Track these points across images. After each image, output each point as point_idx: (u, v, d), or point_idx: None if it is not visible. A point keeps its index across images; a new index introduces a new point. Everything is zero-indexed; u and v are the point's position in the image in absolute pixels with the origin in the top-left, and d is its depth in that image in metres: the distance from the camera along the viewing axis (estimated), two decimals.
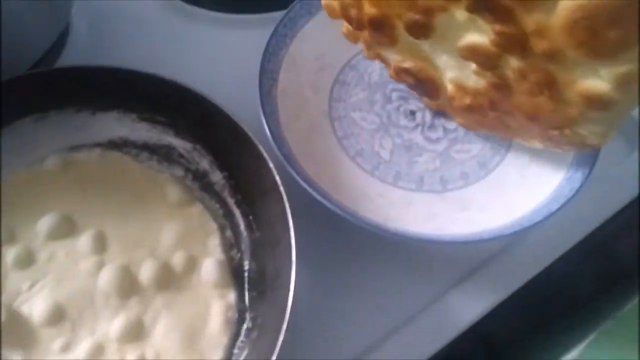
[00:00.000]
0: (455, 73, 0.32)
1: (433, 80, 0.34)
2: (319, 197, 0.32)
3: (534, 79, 0.28)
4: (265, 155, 0.32)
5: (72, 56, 0.43)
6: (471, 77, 0.31)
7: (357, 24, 0.34)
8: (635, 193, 0.37)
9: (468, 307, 0.33)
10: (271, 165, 0.32)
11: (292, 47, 0.39)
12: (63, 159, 0.35)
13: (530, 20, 0.25)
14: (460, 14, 0.28)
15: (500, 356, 0.36)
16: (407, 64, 0.34)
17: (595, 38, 0.24)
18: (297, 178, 0.32)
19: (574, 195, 0.32)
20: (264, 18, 0.45)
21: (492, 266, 0.35)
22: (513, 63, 0.28)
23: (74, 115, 0.36)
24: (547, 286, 0.35)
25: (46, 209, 0.34)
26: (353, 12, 0.33)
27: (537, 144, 0.33)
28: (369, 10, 0.31)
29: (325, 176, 0.35)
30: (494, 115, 0.32)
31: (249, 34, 0.43)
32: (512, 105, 0.30)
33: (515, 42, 0.27)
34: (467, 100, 0.32)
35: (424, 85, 0.35)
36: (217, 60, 0.43)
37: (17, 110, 0.35)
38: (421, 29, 0.30)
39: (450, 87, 0.33)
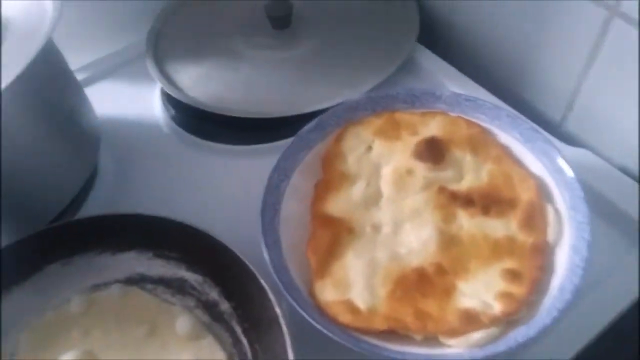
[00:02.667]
0: None
1: None
2: (318, 327, 0.33)
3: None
4: (266, 287, 0.34)
5: (97, 199, 0.47)
6: None
7: None
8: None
9: None
10: (272, 297, 0.34)
11: (293, 178, 0.42)
12: (87, 299, 0.39)
13: None
14: None
15: None
16: None
17: None
18: (297, 308, 0.34)
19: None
20: (270, 148, 0.49)
21: None
22: None
23: (96, 257, 0.40)
24: None
25: (70, 347, 0.36)
26: None
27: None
28: None
29: None
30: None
31: (255, 163, 0.47)
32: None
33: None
34: None
35: None
36: (224, 189, 0.47)
37: (47, 256, 0.39)
38: None
39: None
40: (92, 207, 0.46)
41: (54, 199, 0.42)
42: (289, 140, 0.43)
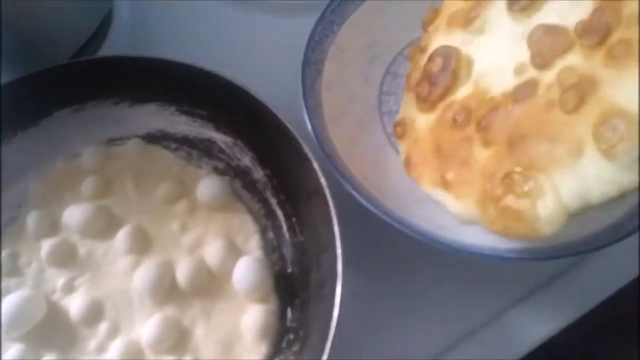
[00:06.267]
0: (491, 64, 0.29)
1: (458, 74, 0.31)
2: (364, 202, 0.29)
3: (574, 80, 0.24)
4: (310, 155, 0.30)
5: (116, 43, 0.41)
6: (504, 78, 0.28)
7: None
8: None
9: (533, 327, 0.30)
10: (316, 166, 0.29)
11: (340, 35, 0.36)
12: (101, 152, 0.34)
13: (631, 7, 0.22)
14: None
15: None
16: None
17: None
18: (342, 181, 0.30)
19: None
20: (312, 4, 0.42)
21: (561, 283, 0.32)
22: (567, 62, 0.25)
23: (112, 107, 0.35)
24: (618, 309, 0.31)
25: (85, 202, 0.33)
26: None
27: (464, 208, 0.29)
28: None
29: (372, 176, 0.32)
30: (463, 136, 0.29)
31: (295, 22, 0.41)
32: (508, 124, 0.27)
33: (599, 30, 0.24)
34: (470, 104, 0.29)
35: (445, 75, 0.31)
36: (261, 48, 0.41)
37: (57, 100, 0.34)
38: None
39: (468, 89, 0.30)
40: (110, 50, 0.40)
41: (68, 37, 0.36)
42: None
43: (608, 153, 0.22)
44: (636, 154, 0.22)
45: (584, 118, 0.24)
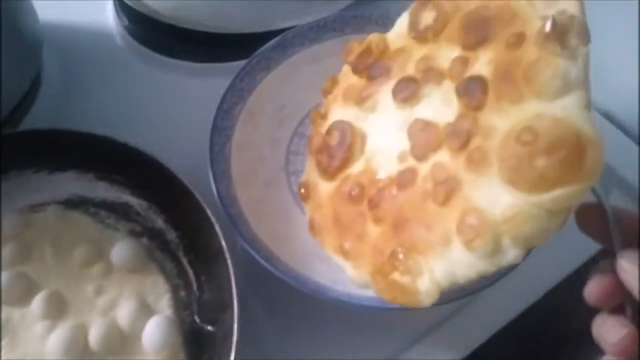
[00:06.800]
0: (380, 144, 0.33)
1: (353, 149, 0.34)
2: (262, 262, 0.32)
3: (443, 177, 0.28)
4: (212, 218, 0.32)
5: (43, 107, 0.44)
6: (390, 162, 0.31)
7: None
8: None
9: None
10: (217, 229, 0.32)
11: (249, 101, 0.39)
12: (21, 220, 0.36)
13: (486, 119, 0.26)
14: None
15: None
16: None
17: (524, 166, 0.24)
18: (241, 241, 0.32)
19: None
20: (230, 67, 0.46)
21: (456, 320, 0.35)
22: (438, 158, 0.28)
23: (32, 176, 0.37)
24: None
25: (4, 269, 0.34)
26: None
27: (360, 276, 0.32)
28: None
29: (277, 235, 0.35)
30: (358, 211, 0.32)
31: (213, 83, 0.44)
32: (393, 206, 0.30)
33: (461, 136, 0.27)
34: (363, 181, 0.33)
35: (342, 149, 0.34)
36: (178, 110, 0.44)
37: None
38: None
39: (361, 165, 0.33)
40: (35, 122, 0.42)
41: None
42: None
43: (468, 245, 0.26)
44: (489, 247, 0.25)
45: (450, 212, 0.27)
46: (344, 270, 0.33)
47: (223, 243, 0.31)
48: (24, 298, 0.33)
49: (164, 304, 0.34)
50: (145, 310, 0.33)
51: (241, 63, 0.44)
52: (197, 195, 0.33)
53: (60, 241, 0.36)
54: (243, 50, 0.44)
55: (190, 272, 0.35)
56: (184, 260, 0.35)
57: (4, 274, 0.34)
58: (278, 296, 0.35)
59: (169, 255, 0.36)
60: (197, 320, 0.34)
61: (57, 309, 0.33)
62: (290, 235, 0.36)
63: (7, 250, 0.35)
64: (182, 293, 0.35)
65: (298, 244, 0.35)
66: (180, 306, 0.34)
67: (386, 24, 0.41)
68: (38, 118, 0.43)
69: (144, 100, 0.44)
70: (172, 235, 0.36)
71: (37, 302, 0.33)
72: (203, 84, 0.45)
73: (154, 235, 0.36)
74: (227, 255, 0.31)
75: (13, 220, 0.36)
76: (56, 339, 0.32)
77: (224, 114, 0.38)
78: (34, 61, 0.43)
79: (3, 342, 0.32)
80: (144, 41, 0.48)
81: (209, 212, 0.33)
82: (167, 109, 0.44)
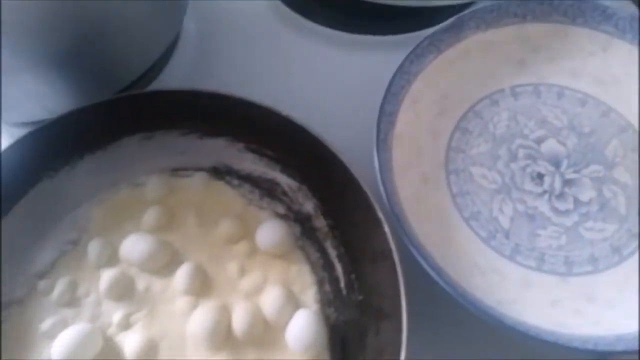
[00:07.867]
0: None
1: None
2: (432, 273, 0.29)
3: None
4: (381, 216, 0.29)
5: (180, 68, 0.41)
6: None
7: None
8: None
9: None
10: (386, 229, 0.29)
11: (414, 85, 0.36)
12: (165, 183, 0.34)
13: None
14: None
15: None
16: None
17: None
18: (409, 246, 0.29)
19: None
20: (386, 41, 0.42)
21: None
22: None
23: (180, 138, 0.34)
24: None
25: (146, 234, 0.32)
26: None
27: None
28: None
29: (434, 239, 0.32)
30: None
31: (369, 59, 0.40)
32: None
33: None
34: None
35: None
36: (333, 87, 0.40)
37: (125, 127, 0.34)
38: None
39: None
40: (171, 79, 0.40)
41: (135, 60, 0.36)
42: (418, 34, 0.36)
43: None
44: None
45: None
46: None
47: (392, 247, 0.28)
48: (166, 268, 0.32)
49: (310, 297, 0.32)
50: (291, 301, 0.31)
51: (396, 38, 0.41)
52: (367, 190, 0.30)
53: (205, 212, 0.33)
54: (402, 24, 0.41)
55: (339, 266, 0.32)
56: (332, 253, 0.32)
57: (148, 240, 0.31)
58: (436, 311, 0.32)
59: (315, 243, 0.33)
60: (343, 321, 0.31)
61: (200, 286, 0.31)
62: (447, 241, 0.33)
63: (151, 214, 0.33)
64: (327, 287, 0.32)
65: (459, 253, 0.32)
66: (325, 302, 0.32)
67: (576, 15, 0.37)
68: (174, 76, 0.40)
69: (292, 71, 0.41)
70: (321, 223, 0.33)
71: (181, 275, 0.31)
72: (358, 58, 0.41)
73: (300, 219, 0.34)
74: (397, 261, 0.28)
75: (157, 182, 0.34)
76: (199, 318, 0.30)
77: (391, 97, 0.34)
78: (177, 21, 0.40)
79: (141, 314, 0.31)
80: (297, 8, 0.44)
81: (376, 207, 0.29)
82: (317, 83, 0.40)
